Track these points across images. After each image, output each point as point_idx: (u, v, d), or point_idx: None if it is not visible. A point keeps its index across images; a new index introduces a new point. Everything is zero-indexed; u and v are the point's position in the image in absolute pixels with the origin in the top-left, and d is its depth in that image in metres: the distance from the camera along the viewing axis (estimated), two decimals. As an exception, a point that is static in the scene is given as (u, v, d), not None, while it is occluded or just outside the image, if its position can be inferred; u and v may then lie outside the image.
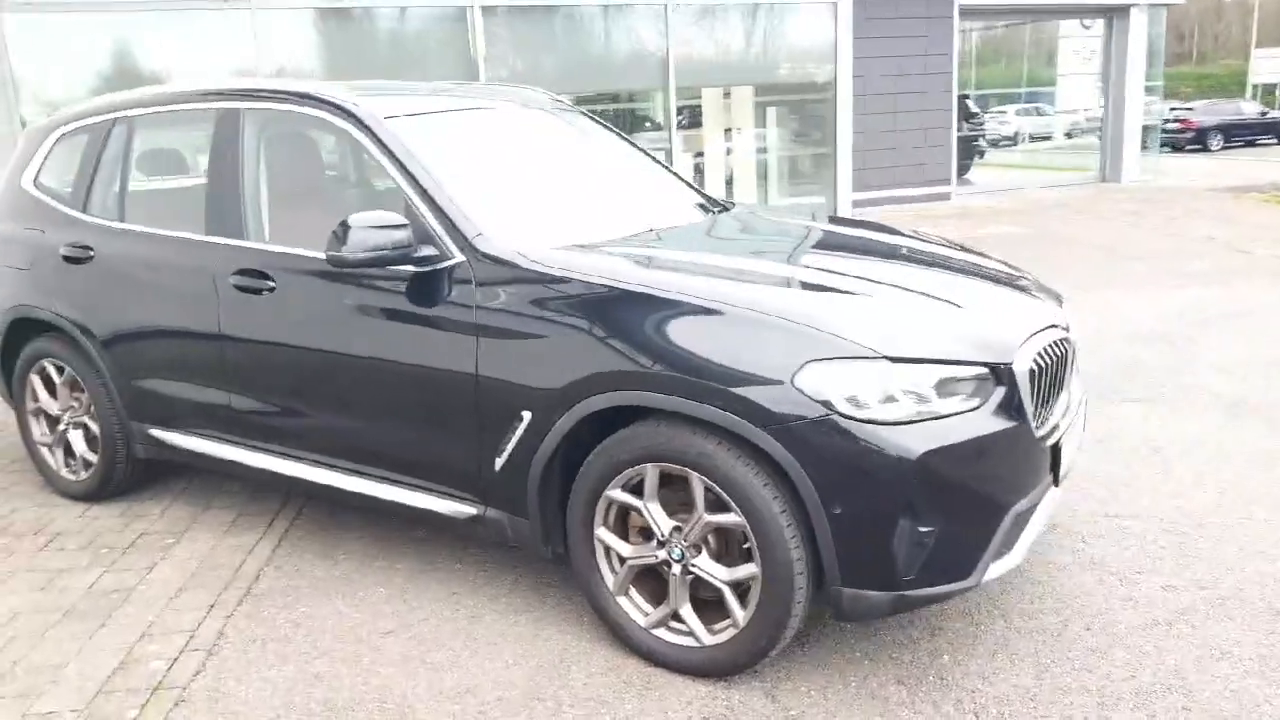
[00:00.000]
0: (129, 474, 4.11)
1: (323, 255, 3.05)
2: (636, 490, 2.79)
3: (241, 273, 3.44)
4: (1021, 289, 3.19)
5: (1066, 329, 3.00)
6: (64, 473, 4.26)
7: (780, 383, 2.49)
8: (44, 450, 4.32)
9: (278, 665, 2.95)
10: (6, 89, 8.59)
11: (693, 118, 14.44)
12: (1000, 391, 2.63)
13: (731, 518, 2.62)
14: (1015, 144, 24.46)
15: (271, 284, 3.37)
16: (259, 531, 3.88)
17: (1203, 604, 3.11)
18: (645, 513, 2.77)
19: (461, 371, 2.97)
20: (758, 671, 2.81)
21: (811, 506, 2.51)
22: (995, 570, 2.65)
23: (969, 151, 18.77)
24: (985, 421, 2.58)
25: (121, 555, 3.73)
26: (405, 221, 2.99)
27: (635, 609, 2.89)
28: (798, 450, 2.48)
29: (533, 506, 2.95)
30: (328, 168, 3.97)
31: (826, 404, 2.46)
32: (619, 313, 2.76)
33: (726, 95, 14.26)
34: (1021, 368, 2.67)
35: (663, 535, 2.76)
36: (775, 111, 13.71)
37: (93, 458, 4.14)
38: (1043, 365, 2.77)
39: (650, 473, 2.74)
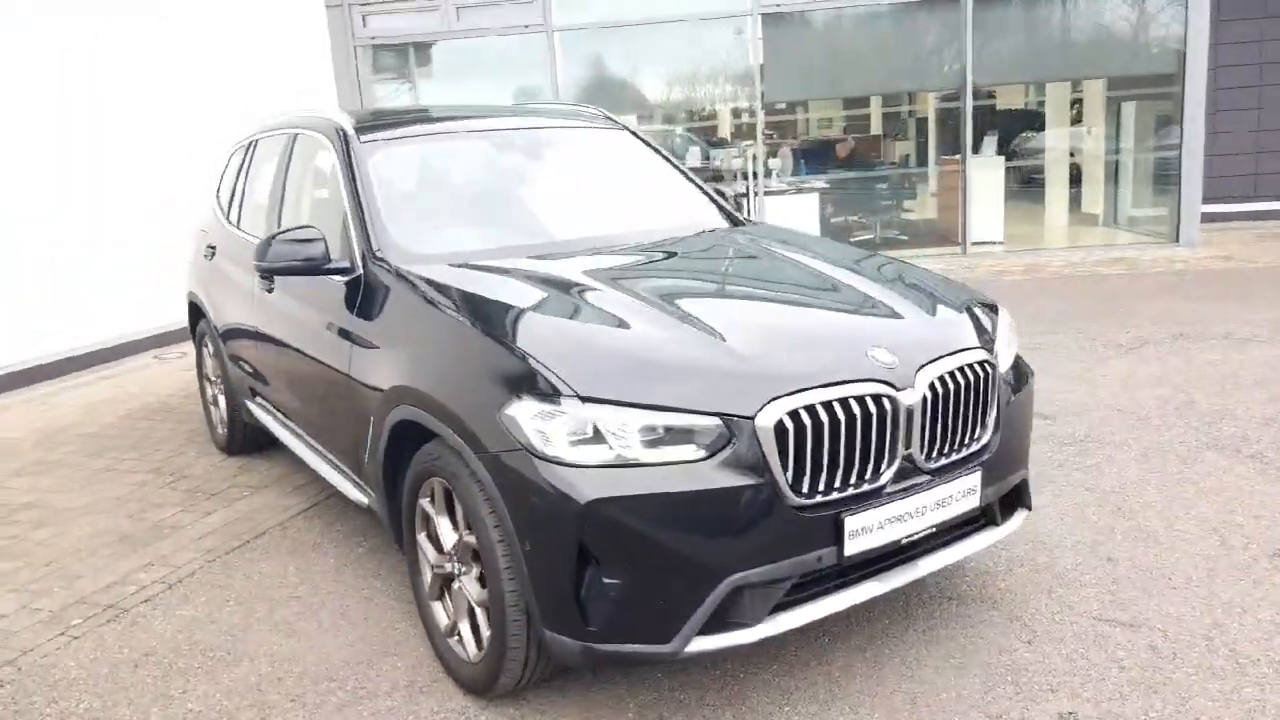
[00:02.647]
0: (245, 435, 4.98)
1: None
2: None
3: (261, 274, 4.05)
4: (884, 332, 2.73)
5: (899, 386, 2.53)
6: (218, 429, 5.26)
7: (494, 413, 2.48)
8: (210, 409, 5.37)
9: (200, 606, 3.50)
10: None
11: (1009, 119, 13.16)
12: (734, 447, 2.36)
13: (473, 540, 2.65)
14: None
15: (272, 284, 3.95)
16: (307, 496, 4.51)
17: (1081, 744, 2.49)
18: (436, 525, 2.89)
19: (342, 372, 3.28)
20: (524, 698, 2.80)
21: (509, 539, 2.47)
22: (709, 643, 2.39)
23: None
24: (705, 477, 2.34)
25: (204, 500, 4.57)
26: (320, 237, 3.36)
27: (444, 614, 3.00)
28: (499, 481, 2.46)
29: (382, 504, 3.18)
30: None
31: (523, 438, 2.41)
32: (416, 325, 2.91)
33: (1076, 89, 12.83)
34: (766, 423, 2.36)
35: (446, 549, 2.86)
36: (1116, 110, 12.03)
37: (226, 418, 5.07)
38: (821, 423, 2.42)
39: (436, 487, 2.84)
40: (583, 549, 2.34)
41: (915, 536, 2.61)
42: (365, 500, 3.41)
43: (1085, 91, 12.56)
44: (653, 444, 2.36)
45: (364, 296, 3.24)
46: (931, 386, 2.61)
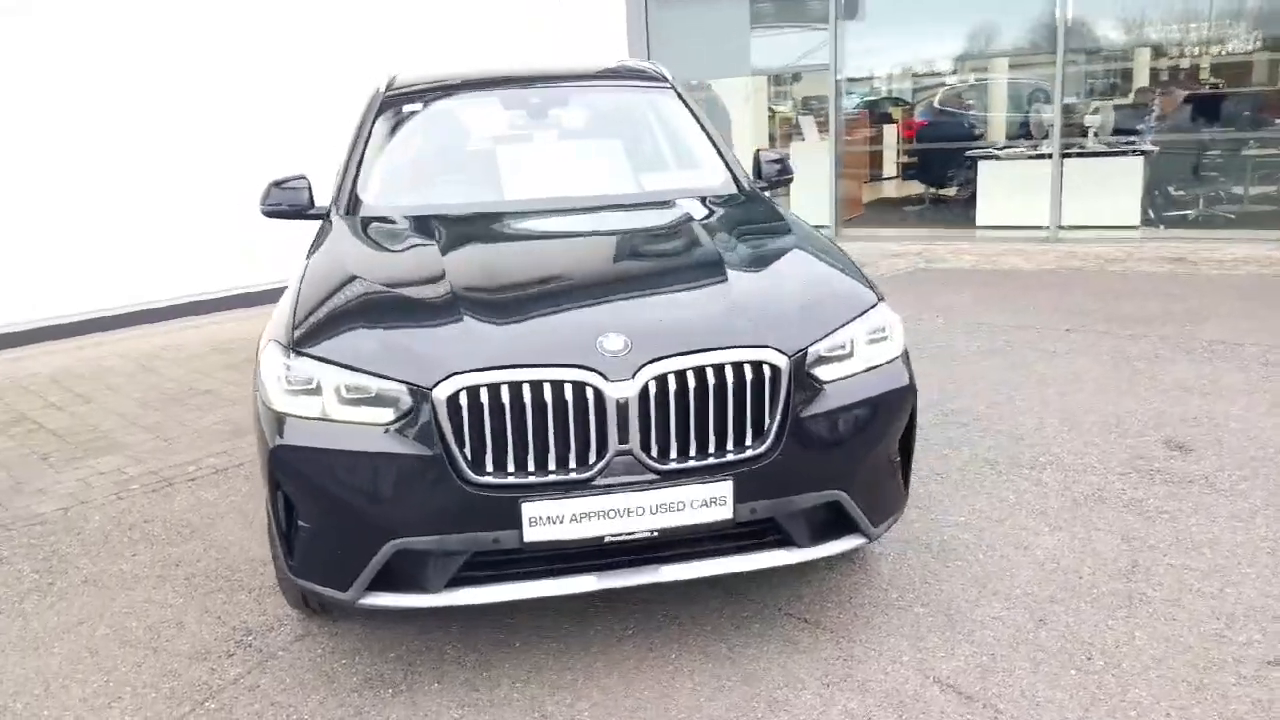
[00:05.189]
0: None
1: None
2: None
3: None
4: (633, 321, 2.54)
5: (611, 377, 2.34)
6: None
7: (260, 354, 2.73)
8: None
9: (219, 493, 4.16)
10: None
11: None
12: (414, 416, 2.38)
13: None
14: None
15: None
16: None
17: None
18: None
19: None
20: (334, 616, 3.02)
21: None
22: (384, 600, 2.48)
23: None
24: (378, 441, 2.40)
25: (315, 407, 5.30)
26: (305, 185, 3.76)
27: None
28: (256, 418, 2.71)
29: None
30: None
31: (261, 380, 2.63)
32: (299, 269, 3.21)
33: None
34: (441, 396, 2.34)
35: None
36: None
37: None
38: (501, 403, 2.34)
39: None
40: (278, 489, 2.52)
41: (629, 537, 2.42)
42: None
43: None
44: (352, 403, 2.45)
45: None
46: (660, 381, 2.38)
